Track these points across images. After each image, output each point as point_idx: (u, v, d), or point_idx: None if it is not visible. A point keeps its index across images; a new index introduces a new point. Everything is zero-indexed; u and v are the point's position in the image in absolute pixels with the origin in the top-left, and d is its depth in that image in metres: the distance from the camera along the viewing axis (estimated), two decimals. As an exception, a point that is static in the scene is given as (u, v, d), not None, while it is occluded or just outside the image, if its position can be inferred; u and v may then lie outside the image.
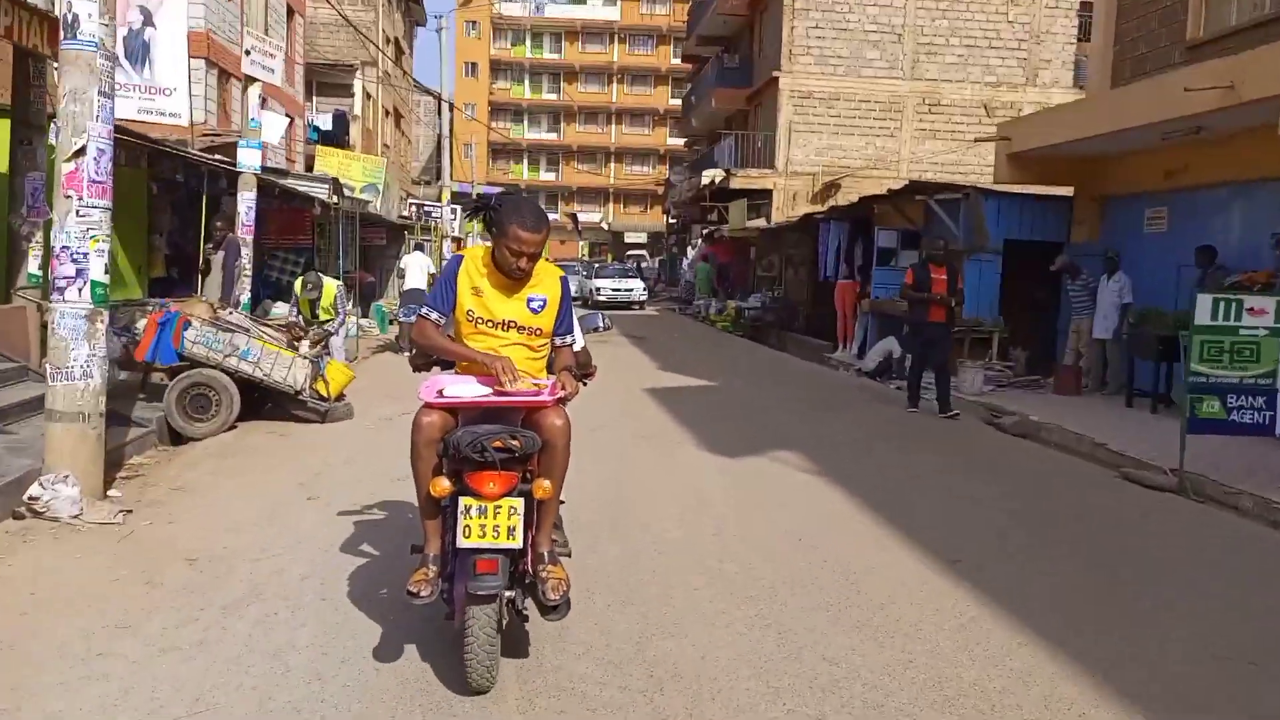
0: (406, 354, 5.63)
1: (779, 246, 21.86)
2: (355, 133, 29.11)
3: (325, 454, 7.46)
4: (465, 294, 3.46)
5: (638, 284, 29.93)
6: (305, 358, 8.55)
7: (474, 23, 66.46)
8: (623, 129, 68.04)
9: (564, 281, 3.59)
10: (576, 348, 3.79)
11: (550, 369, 3.67)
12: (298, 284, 11.17)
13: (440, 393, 3.38)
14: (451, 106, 34.99)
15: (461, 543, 3.18)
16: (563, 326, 3.61)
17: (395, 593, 3.96)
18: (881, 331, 13.77)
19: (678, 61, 68.95)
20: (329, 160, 20.38)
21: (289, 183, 15.18)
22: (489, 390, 3.35)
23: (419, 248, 14.75)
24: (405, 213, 31.50)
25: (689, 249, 28.38)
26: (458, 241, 31.93)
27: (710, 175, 27.34)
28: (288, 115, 20.10)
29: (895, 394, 11.58)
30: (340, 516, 5.50)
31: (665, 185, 46.94)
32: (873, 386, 12.73)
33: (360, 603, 4.18)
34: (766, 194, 27.18)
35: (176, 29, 14.45)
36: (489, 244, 3.52)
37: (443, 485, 3.23)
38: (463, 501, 3.18)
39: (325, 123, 27.68)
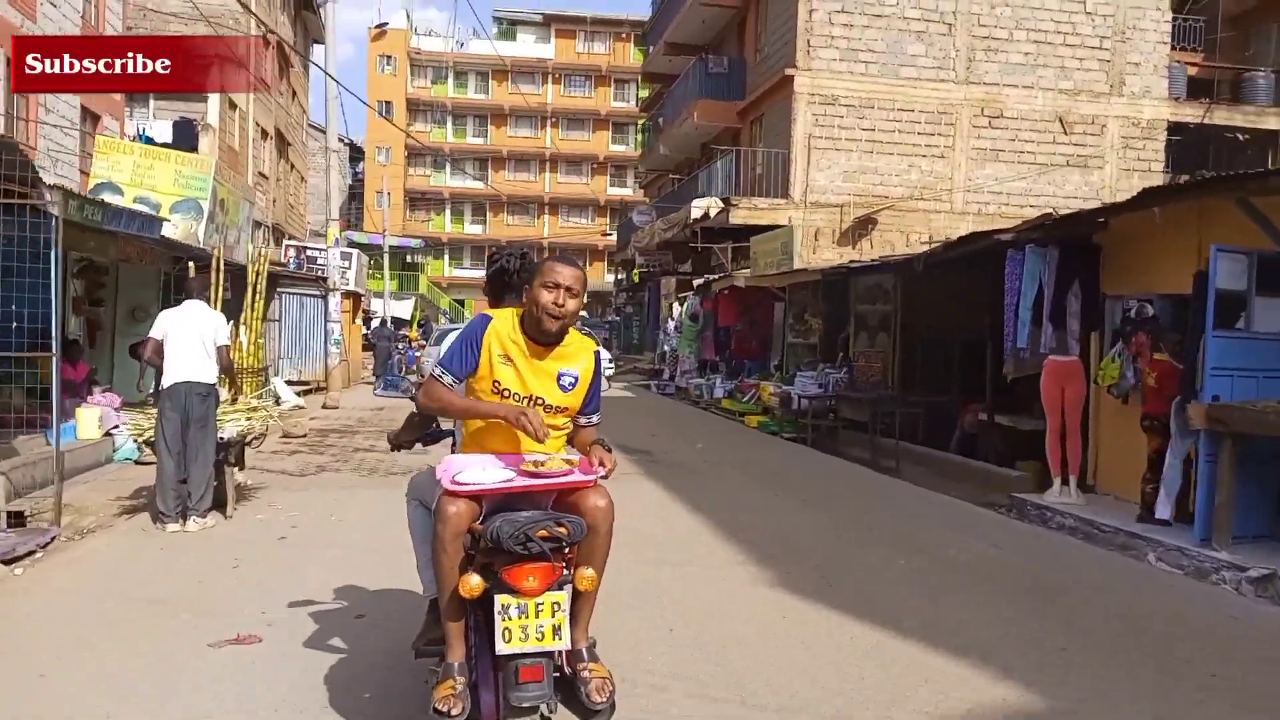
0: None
1: (839, 299, 14.42)
2: (208, 147, 21.01)
3: None
4: (494, 361, 3.07)
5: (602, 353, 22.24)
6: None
7: (389, 58, 59.02)
8: (558, 177, 60.99)
9: (597, 356, 3.25)
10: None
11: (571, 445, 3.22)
12: None
13: (455, 479, 2.91)
14: (341, 98, 27.03)
15: (502, 648, 2.76)
16: (590, 406, 3.22)
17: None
18: (1240, 472, 6.29)
19: (619, 104, 62.83)
20: (116, 158, 12.28)
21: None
22: (514, 472, 2.95)
23: (190, 296, 6.81)
24: (281, 259, 23.29)
25: (674, 306, 20.72)
26: (353, 298, 23.75)
27: (703, 206, 19.98)
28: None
29: None
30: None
31: (614, 232, 39.60)
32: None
33: None
34: (781, 228, 19.92)
35: None
36: (515, 307, 3.21)
37: (474, 584, 2.80)
38: (499, 600, 2.77)
39: (162, 132, 19.40)
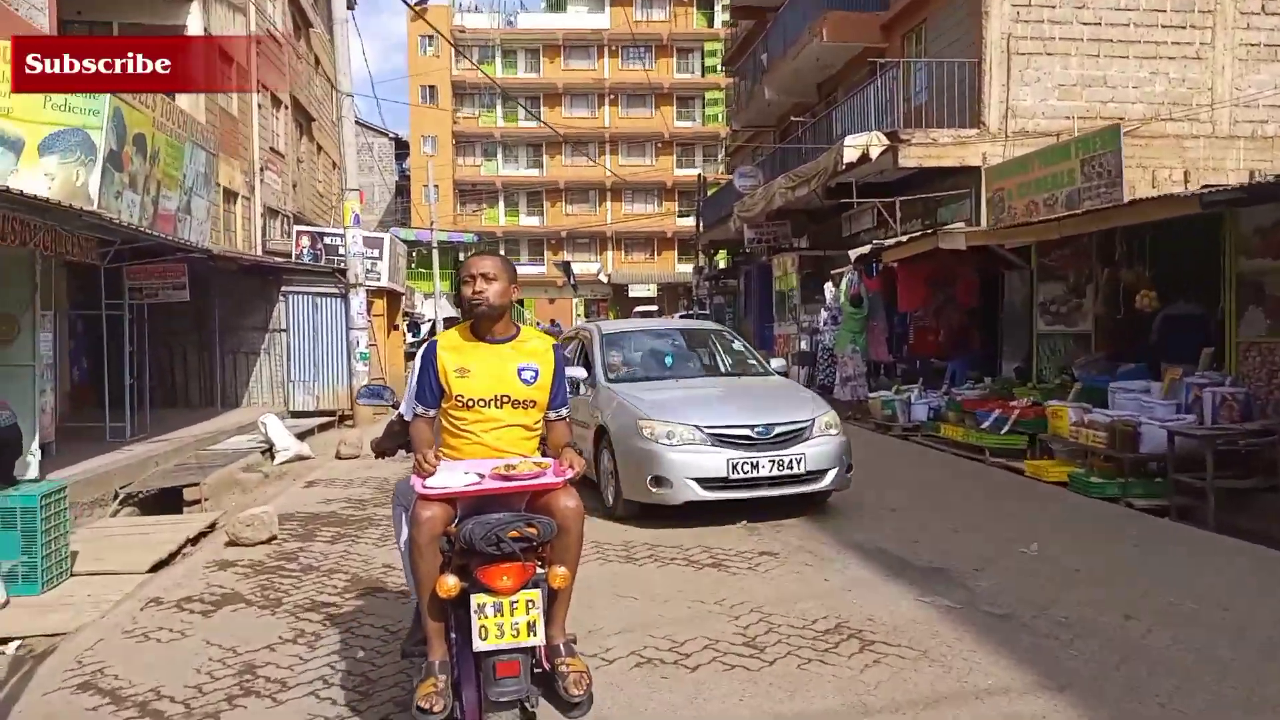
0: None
1: (1176, 251, 8.46)
2: (189, 105, 15.85)
3: None
4: (450, 379, 3.18)
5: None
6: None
7: (430, 38, 54.04)
8: (619, 160, 55.37)
9: (556, 350, 3.32)
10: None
11: (544, 447, 3.34)
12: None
13: (427, 484, 2.98)
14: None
15: (479, 645, 2.83)
16: (557, 400, 3.31)
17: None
18: None
19: (684, 76, 56.97)
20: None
21: None
22: (487, 474, 3.01)
23: None
24: (291, 249, 18.10)
25: (828, 287, 14.86)
26: (388, 297, 18.47)
27: (859, 144, 14.13)
28: None
29: None
30: None
31: (695, 210, 33.86)
32: None
33: None
34: (963, 177, 14.07)
35: None
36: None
37: (450, 584, 2.87)
38: (475, 600, 2.84)
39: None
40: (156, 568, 6.13)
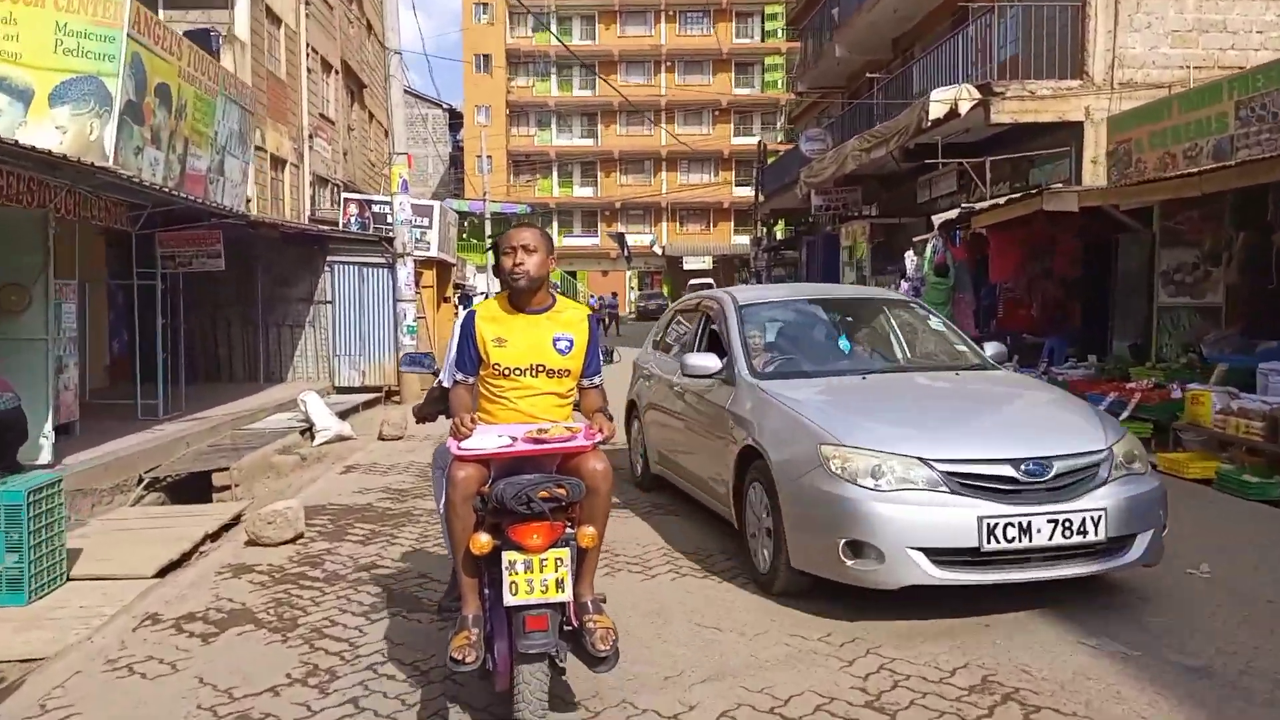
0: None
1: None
2: (233, 64, 15.17)
3: None
4: (489, 348, 3.26)
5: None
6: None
7: (484, 5, 53.16)
8: (675, 128, 54.02)
9: (592, 320, 3.41)
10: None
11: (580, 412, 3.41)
12: None
13: (461, 446, 3.06)
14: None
15: (509, 599, 2.92)
16: (591, 368, 3.39)
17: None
18: None
19: (743, 41, 55.24)
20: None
21: None
22: (520, 438, 3.10)
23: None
24: (340, 216, 17.48)
25: (909, 256, 13.61)
26: (439, 267, 17.79)
27: (946, 98, 12.87)
28: None
29: None
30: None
31: (755, 179, 32.53)
32: None
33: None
34: (1060, 134, 12.75)
35: None
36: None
37: (483, 541, 2.97)
38: (506, 557, 2.93)
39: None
40: (166, 570, 5.39)
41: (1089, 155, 12.67)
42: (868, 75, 18.76)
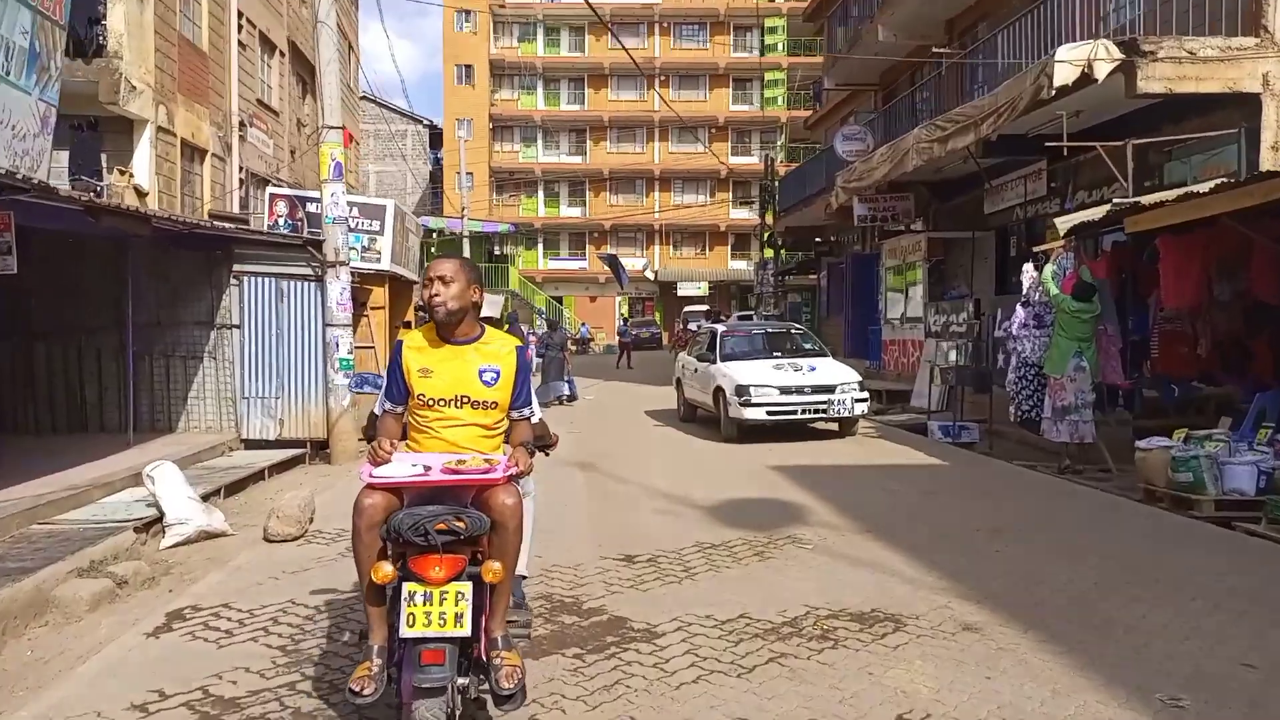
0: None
1: None
2: (120, 22, 11.63)
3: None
4: (414, 379, 3.30)
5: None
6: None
7: (467, 13, 49.89)
8: (669, 146, 50.90)
9: (520, 351, 3.42)
10: (534, 420, 3.63)
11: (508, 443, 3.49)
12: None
13: (373, 474, 3.09)
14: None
15: (405, 631, 2.92)
16: (519, 400, 3.41)
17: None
18: None
19: (740, 55, 52.02)
20: None
21: None
22: (437, 468, 3.10)
23: None
24: (249, 216, 13.88)
25: (1027, 270, 10.12)
26: (392, 283, 14.22)
27: (1078, 60, 9.47)
28: None
29: None
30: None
31: (760, 198, 29.11)
32: None
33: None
34: (1222, 111, 9.42)
35: None
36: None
37: (385, 571, 2.97)
38: (406, 588, 2.94)
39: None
40: None
41: (1269, 139, 9.33)
42: (933, 50, 15.37)
